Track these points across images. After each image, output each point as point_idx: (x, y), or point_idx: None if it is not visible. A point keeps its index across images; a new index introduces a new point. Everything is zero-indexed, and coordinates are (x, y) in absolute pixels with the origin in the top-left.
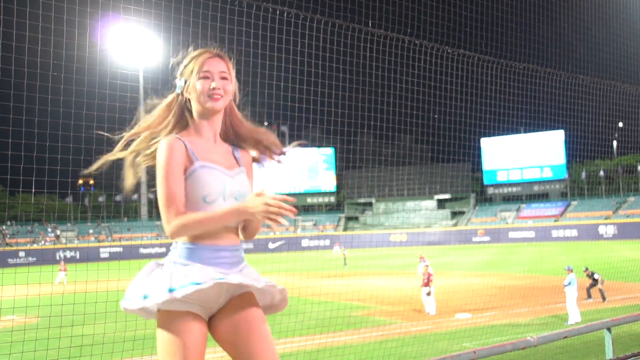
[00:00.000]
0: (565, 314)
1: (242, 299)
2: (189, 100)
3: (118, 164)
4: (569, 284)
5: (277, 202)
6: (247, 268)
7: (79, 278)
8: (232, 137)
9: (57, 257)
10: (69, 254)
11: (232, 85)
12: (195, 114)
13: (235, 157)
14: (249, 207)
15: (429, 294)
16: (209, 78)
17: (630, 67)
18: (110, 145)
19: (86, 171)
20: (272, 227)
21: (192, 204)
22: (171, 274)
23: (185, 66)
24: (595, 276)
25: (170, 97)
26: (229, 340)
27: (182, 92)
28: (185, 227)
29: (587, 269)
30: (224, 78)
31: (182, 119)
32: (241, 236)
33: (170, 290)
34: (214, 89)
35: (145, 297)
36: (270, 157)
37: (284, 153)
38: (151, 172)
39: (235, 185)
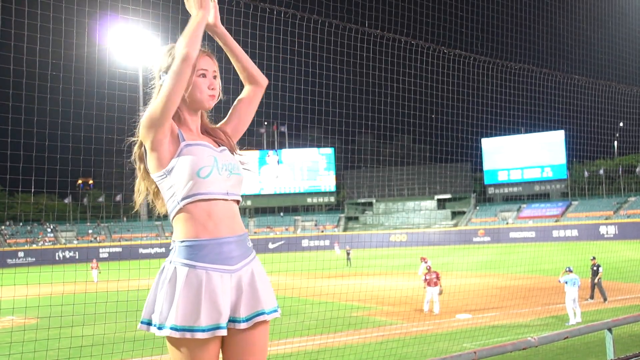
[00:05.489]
0: (566, 315)
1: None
2: None
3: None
4: (566, 283)
5: None
6: (257, 270)
7: (78, 278)
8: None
9: (57, 257)
10: (68, 254)
11: (220, 85)
12: (180, 109)
13: (217, 143)
14: (194, 12)
15: (435, 293)
16: (206, 76)
17: (626, 68)
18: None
19: (136, 205)
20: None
21: (186, 185)
22: (173, 303)
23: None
24: (600, 270)
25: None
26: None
27: None
28: (181, 54)
29: (594, 258)
30: (215, 77)
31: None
32: (246, 82)
33: (171, 328)
34: (213, 88)
35: (143, 322)
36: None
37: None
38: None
39: (224, 159)
